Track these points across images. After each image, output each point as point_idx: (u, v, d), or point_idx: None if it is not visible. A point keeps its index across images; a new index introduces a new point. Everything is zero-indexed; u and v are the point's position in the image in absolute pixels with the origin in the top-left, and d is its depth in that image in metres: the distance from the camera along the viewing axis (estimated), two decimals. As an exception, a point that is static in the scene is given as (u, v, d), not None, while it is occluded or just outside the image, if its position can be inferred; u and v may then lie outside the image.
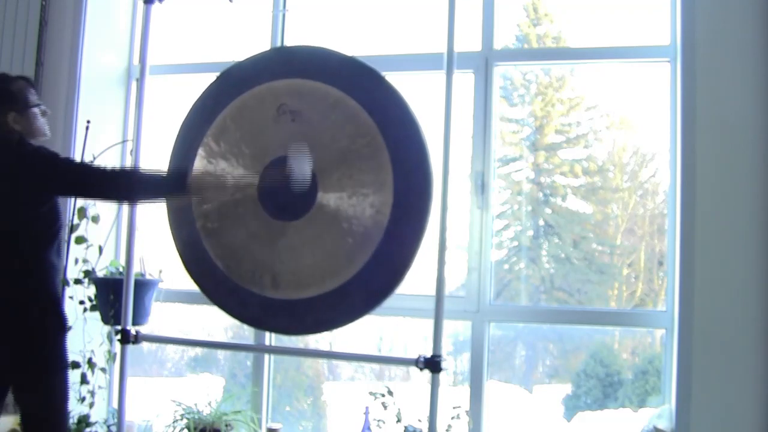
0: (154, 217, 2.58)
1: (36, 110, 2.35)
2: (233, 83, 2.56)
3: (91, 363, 3.08)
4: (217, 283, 2.52)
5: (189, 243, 2.53)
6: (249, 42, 3.33)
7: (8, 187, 2.22)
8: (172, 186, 2.34)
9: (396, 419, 2.80)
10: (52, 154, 2.28)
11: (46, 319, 2.23)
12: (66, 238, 3.04)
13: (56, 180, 2.26)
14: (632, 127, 3.09)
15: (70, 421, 3.01)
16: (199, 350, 3.65)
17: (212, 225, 2.53)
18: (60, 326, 2.28)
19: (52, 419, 2.23)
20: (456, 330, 3.19)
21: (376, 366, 3.40)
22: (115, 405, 3.17)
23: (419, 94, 2.96)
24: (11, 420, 2.90)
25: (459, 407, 2.80)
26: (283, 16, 3.29)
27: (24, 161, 2.23)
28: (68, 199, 2.94)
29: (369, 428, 2.82)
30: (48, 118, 2.41)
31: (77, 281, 3.08)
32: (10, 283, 2.20)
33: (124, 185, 2.31)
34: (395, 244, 2.28)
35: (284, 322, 2.47)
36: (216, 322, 3.51)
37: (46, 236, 2.28)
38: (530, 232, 3.15)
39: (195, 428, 2.91)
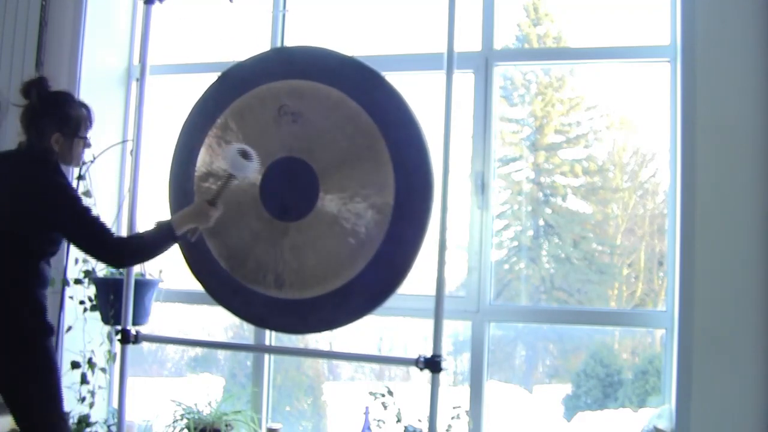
0: (154, 217, 2.57)
1: (81, 141, 2.35)
2: (234, 84, 2.56)
3: (91, 363, 3.08)
4: (220, 283, 2.53)
5: (192, 243, 2.54)
6: (249, 42, 3.33)
7: (22, 201, 2.22)
8: (164, 239, 2.31)
9: (396, 419, 2.81)
10: (75, 200, 2.25)
11: (29, 324, 2.23)
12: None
13: (64, 224, 2.24)
14: (632, 127, 3.09)
15: (70, 421, 3.01)
16: (199, 350, 3.65)
17: (215, 225, 2.53)
18: (44, 331, 2.26)
19: (46, 422, 2.23)
20: (456, 330, 3.19)
21: (376, 366, 3.40)
22: (115, 405, 3.17)
23: (419, 94, 2.96)
24: (10, 420, 2.90)
25: (459, 407, 2.80)
26: (283, 16, 3.29)
27: (48, 191, 2.22)
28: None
29: (369, 428, 2.82)
30: (88, 149, 2.41)
31: (77, 281, 3.08)
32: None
33: (122, 255, 2.30)
34: (396, 244, 2.29)
35: (288, 321, 2.47)
36: (216, 322, 3.51)
37: (45, 250, 2.29)
38: (530, 232, 3.15)
39: (195, 428, 2.91)
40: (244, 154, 2.29)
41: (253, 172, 2.34)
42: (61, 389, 2.30)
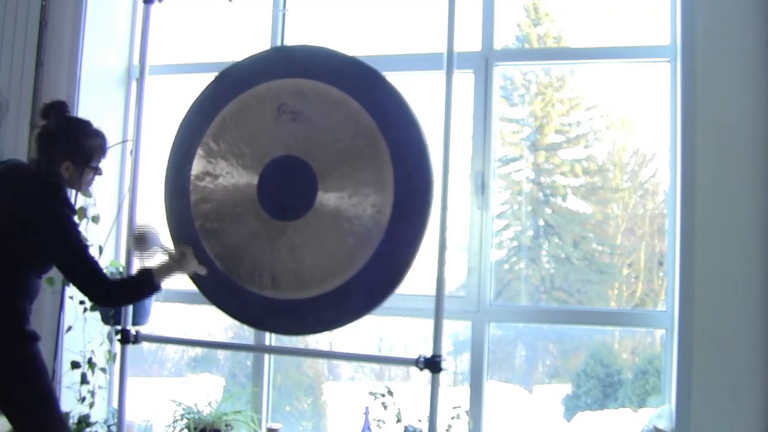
0: (153, 216, 2.58)
1: (91, 171, 2.35)
2: (232, 83, 2.56)
3: (91, 363, 3.08)
4: (217, 284, 2.52)
5: (188, 243, 2.53)
6: (249, 42, 3.33)
7: (23, 227, 2.21)
8: (146, 288, 2.34)
9: (396, 419, 2.81)
10: (75, 236, 2.24)
11: (11, 333, 2.23)
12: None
13: (59, 259, 2.25)
14: (632, 127, 3.09)
15: (70, 421, 3.01)
16: (199, 350, 3.65)
17: (211, 225, 2.53)
18: (25, 338, 2.26)
19: (41, 425, 2.23)
20: (456, 330, 3.19)
21: (376, 366, 3.40)
22: (115, 405, 3.17)
23: (419, 94, 2.96)
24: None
25: (459, 407, 2.80)
26: (283, 16, 3.29)
27: (49, 220, 2.21)
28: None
29: (369, 428, 2.82)
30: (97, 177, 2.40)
31: (77, 281, 3.07)
32: None
33: (105, 293, 2.31)
34: (396, 243, 2.28)
35: (285, 322, 2.47)
36: (216, 322, 3.51)
37: (37, 269, 2.30)
38: (530, 232, 3.15)
39: (195, 428, 2.91)
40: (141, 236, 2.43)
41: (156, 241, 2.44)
42: (53, 391, 2.31)
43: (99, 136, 2.37)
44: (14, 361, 2.24)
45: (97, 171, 2.37)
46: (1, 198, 2.28)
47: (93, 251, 3.08)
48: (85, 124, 2.37)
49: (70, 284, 2.37)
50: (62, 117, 2.31)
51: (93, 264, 2.25)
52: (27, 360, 2.26)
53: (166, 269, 2.37)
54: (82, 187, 2.37)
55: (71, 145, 2.29)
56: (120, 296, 2.37)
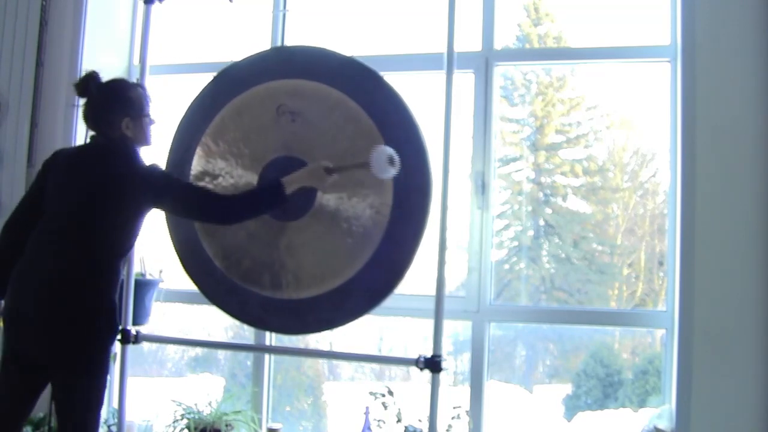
0: (153, 217, 2.57)
1: (147, 119, 2.37)
2: (232, 82, 2.56)
3: (91, 363, 3.08)
4: (216, 284, 2.53)
5: (187, 243, 2.53)
6: (249, 42, 3.33)
7: (111, 191, 2.24)
8: (272, 198, 2.30)
9: (396, 419, 2.81)
10: (166, 174, 2.33)
11: (101, 321, 2.22)
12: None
13: (167, 199, 2.29)
14: (632, 127, 3.09)
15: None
16: (199, 350, 3.65)
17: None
18: (111, 330, 2.27)
19: (87, 421, 2.23)
20: (456, 330, 3.19)
21: (376, 366, 3.40)
22: (115, 405, 3.17)
23: (419, 94, 2.96)
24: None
25: (459, 407, 2.80)
26: (283, 16, 3.29)
27: (138, 175, 2.26)
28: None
29: (369, 428, 2.82)
30: (154, 126, 2.42)
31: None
32: (78, 284, 2.19)
33: (228, 208, 2.31)
34: (395, 244, 2.28)
35: (285, 321, 2.47)
36: (216, 322, 3.51)
37: (124, 247, 2.30)
38: (530, 232, 3.15)
39: (195, 428, 2.91)
40: (391, 160, 2.20)
41: (389, 176, 2.24)
42: (104, 393, 2.31)
43: (139, 85, 2.44)
44: (101, 354, 2.23)
45: (152, 120, 2.39)
46: (86, 178, 2.27)
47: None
48: (121, 81, 2.41)
49: (197, 218, 2.44)
50: (100, 83, 2.34)
51: (203, 187, 2.39)
52: (108, 354, 2.28)
53: (299, 179, 2.30)
54: (147, 139, 2.38)
55: (121, 102, 2.31)
56: (244, 207, 2.32)
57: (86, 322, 2.19)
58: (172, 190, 2.29)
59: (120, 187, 2.24)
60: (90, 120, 2.34)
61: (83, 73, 2.36)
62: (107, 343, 2.26)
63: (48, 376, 2.24)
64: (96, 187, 2.24)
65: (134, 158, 2.31)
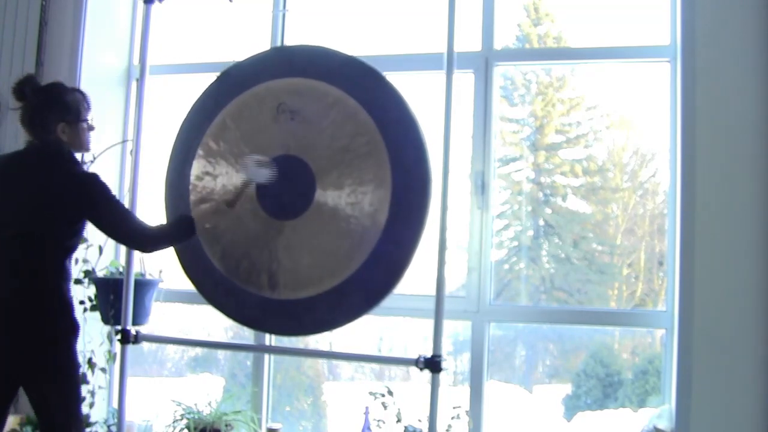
0: (153, 217, 2.58)
1: (85, 124, 2.38)
2: (233, 83, 2.56)
3: (91, 363, 3.08)
4: (215, 284, 2.52)
5: (187, 243, 2.53)
6: (249, 42, 3.33)
7: (48, 197, 2.25)
8: (184, 231, 2.47)
9: (396, 419, 2.81)
10: (105, 188, 2.31)
11: (59, 323, 2.24)
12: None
13: (96, 215, 2.30)
14: (632, 127, 3.09)
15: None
16: (199, 350, 3.65)
17: (210, 225, 2.53)
18: (72, 330, 2.28)
19: (67, 422, 2.23)
20: (456, 330, 3.19)
21: (376, 366, 3.40)
22: (115, 405, 3.17)
23: (419, 94, 2.96)
24: (11, 420, 2.90)
25: (459, 407, 2.80)
26: (283, 16, 3.29)
27: (74, 181, 2.28)
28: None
29: (369, 428, 2.82)
30: (93, 132, 2.45)
31: (77, 281, 3.07)
32: (28, 284, 2.22)
33: (148, 240, 2.38)
34: (394, 243, 2.28)
35: (283, 322, 2.47)
36: (216, 322, 3.51)
37: (69, 245, 2.32)
38: (530, 232, 3.15)
39: (195, 428, 2.91)
40: (260, 163, 2.42)
41: (267, 178, 2.42)
42: (81, 390, 2.33)
43: (77, 90, 2.44)
44: (64, 353, 2.24)
45: (90, 126, 2.41)
46: (22, 186, 2.28)
47: (93, 251, 3.10)
48: (59, 85, 2.41)
49: (116, 239, 2.50)
50: (37, 86, 2.34)
51: (131, 212, 2.39)
52: (73, 353, 2.28)
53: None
54: (84, 145, 2.40)
55: (58, 106, 2.32)
56: (161, 239, 2.43)
57: (45, 325, 2.21)
58: (105, 205, 2.29)
59: (58, 194, 2.24)
60: (26, 123, 2.33)
61: (18, 79, 2.36)
62: (71, 341, 2.27)
63: (17, 385, 2.25)
64: (35, 193, 2.25)
65: (71, 164, 2.32)
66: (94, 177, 2.32)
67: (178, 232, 2.46)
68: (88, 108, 2.42)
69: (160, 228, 2.46)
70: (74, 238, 2.32)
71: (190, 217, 2.48)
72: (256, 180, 2.42)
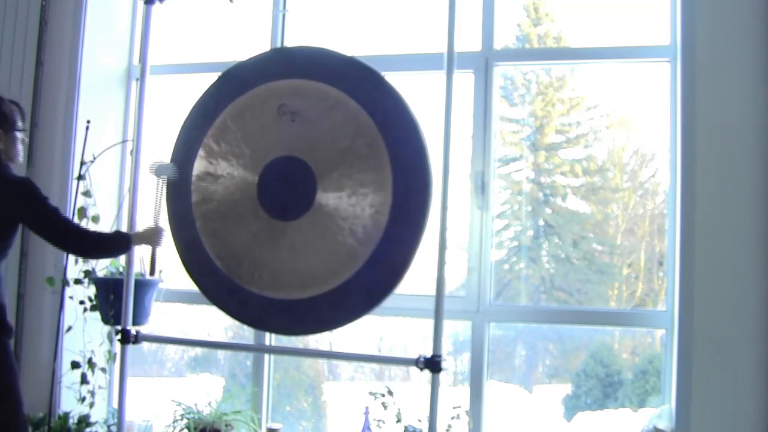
0: (153, 217, 2.58)
1: (19, 135, 2.41)
2: (234, 84, 2.56)
3: (91, 363, 3.08)
4: (217, 284, 2.53)
5: (189, 243, 2.54)
6: (249, 42, 3.33)
7: None
8: (119, 245, 2.51)
9: (396, 419, 2.81)
10: (36, 191, 2.34)
11: None
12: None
13: (31, 218, 2.34)
14: (632, 127, 3.09)
15: (70, 421, 3.01)
16: (199, 350, 3.65)
17: (212, 225, 2.53)
18: (4, 331, 2.30)
19: (7, 423, 2.24)
20: (456, 330, 3.19)
21: (376, 366, 3.40)
22: (115, 405, 3.17)
23: (419, 94, 2.96)
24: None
25: (459, 407, 2.80)
26: (283, 16, 3.29)
27: (8, 186, 2.32)
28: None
29: (369, 428, 2.82)
30: (24, 146, 2.48)
31: (77, 281, 3.08)
32: None
33: (82, 245, 2.43)
34: (394, 243, 2.28)
35: (284, 322, 2.47)
36: (216, 322, 3.51)
37: (5, 250, 2.36)
38: (530, 232, 3.15)
39: (195, 428, 2.91)
40: (157, 170, 2.53)
41: (169, 173, 2.54)
42: (19, 390, 2.32)
43: (12, 101, 2.46)
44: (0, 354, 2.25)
45: (24, 140, 2.45)
46: None
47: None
48: None
49: (50, 242, 2.43)
50: None
51: (64, 215, 2.39)
52: (9, 353, 2.29)
53: (140, 238, 2.52)
54: (15, 156, 2.42)
55: None
56: (95, 247, 2.48)
57: None
58: (40, 208, 2.33)
59: None
60: None
61: None
62: (5, 341, 2.29)
63: None
64: None
65: (4, 168, 2.35)
66: (28, 181, 2.36)
67: (117, 242, 2.50)
68: (24, 118, 2.47)
69: (99, 233, 2.54)
70: (7, 241, 2.35)
71: (128, 236, 2.50)
72: (162, 175, 2.50)
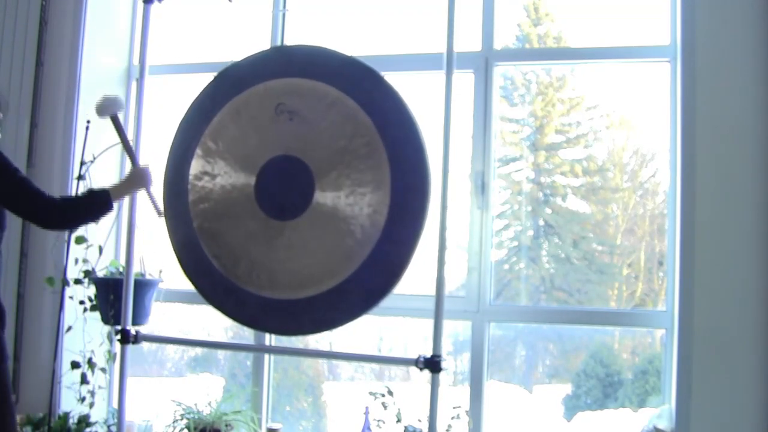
0: (154, 217, 2.58)
1: None
2: (231, 82, 2.56)
3: (91, 363, 3.08)
4: (214, 283, 2.52)
5: (186, 243, 2.53)
6: (249, 42, 3.33)
7: None
8: (99, 205, 2.35)
9: (396, 419, 2.81)
10: (4, 160, 2.23)
11: None
12: (66, 238, 3.05)
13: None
14: (632, 127, 3.09)
15: (70, 421, 3.01)
16: (199, 350, 3.65)
17: (209, 225, 2.52)
18: None
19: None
20: (456, 330, 3.19)
21: (376, 366, 3.40)
22: (115, 405, 3.17)
23: (419, 94, 2.96)
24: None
25: (459, 407, 2.80)
26: (283, 16, 3.29)
27: None
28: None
29: (369, 428, 2.82)
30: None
31: (77, 281, 3.08)
32: None
33: (54, 213, 2.29)
34: (393, 243, 2.28)
35: (282, 322, 2.47)
36: (216, 322, 3.51)
37: None
38: (530, 232, 3.15)
39: (195, 428, 2.91)
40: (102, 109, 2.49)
41: (118, 104, 2.51)
42: (9, 380, 2.30)
43: None
44: None
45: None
46: None
47: (93, 251, 3.11)
48: None
49: (22, 216, 2.35)
50: None
51: (35, 186, 2.24)
52: (2, 342, 2.27)
53: (124, 187, 2.41)
54: None
55: None
56: (71, 214, 2.33)
57: None
58: (6, 179, 2.20)
59: None
60: None
61: None
62: None
63: None
64: None
65: None
66: None
67: (94, 202, 2.33)
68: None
69: (71, 197, 2.37)
70: None
71: (106, 191, 2.34)
72: (108, 114, 2.46)
